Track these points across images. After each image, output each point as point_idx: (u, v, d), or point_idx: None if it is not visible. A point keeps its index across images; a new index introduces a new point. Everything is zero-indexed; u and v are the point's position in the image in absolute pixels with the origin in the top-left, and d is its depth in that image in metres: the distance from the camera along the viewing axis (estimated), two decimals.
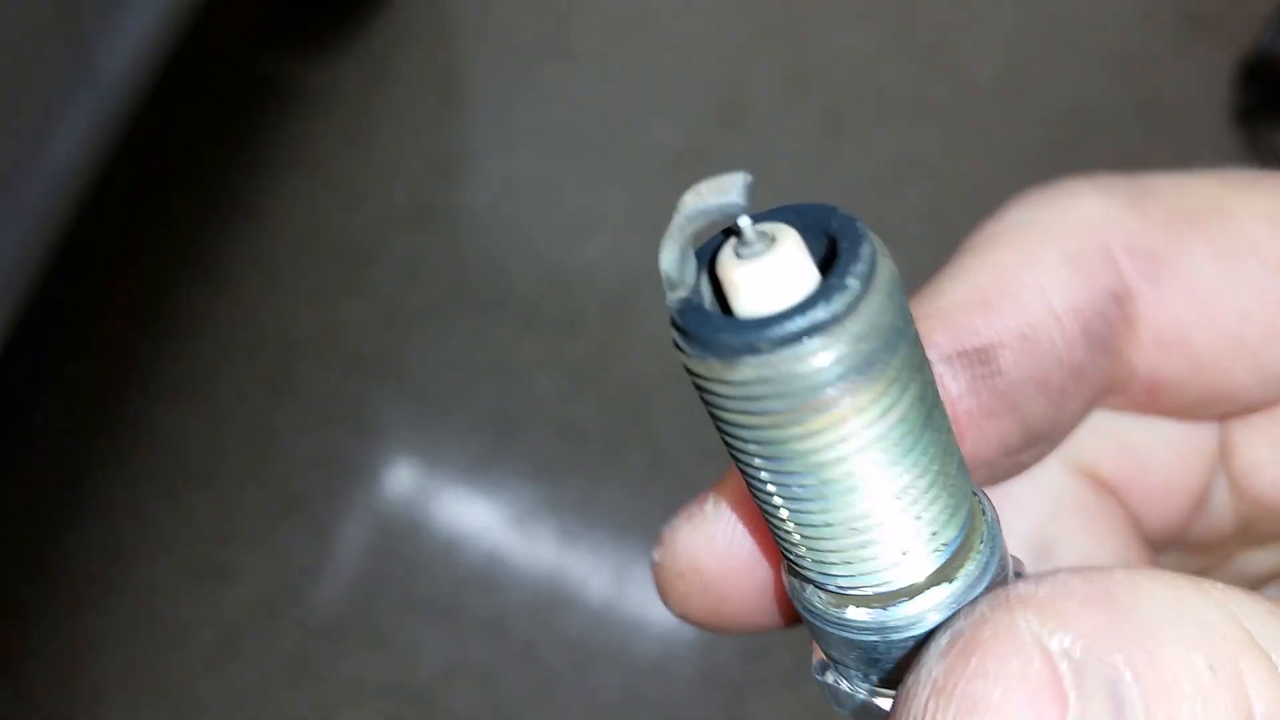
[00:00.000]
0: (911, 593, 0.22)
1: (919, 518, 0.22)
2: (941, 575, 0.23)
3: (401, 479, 1.61)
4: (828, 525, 0.22)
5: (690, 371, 0.21)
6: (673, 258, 0.21)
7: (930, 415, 0.21)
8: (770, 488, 0.21)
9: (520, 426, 1.62)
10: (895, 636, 0.23)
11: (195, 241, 1.78)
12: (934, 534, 0.22)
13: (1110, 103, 1.93)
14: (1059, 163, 1.88)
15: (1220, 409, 0.28)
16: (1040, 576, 0.21)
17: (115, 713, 1.47)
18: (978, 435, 0.25)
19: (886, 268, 0.20)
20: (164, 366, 1.68)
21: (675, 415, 1.62)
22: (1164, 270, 0.26)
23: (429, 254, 1.78)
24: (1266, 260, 0.26)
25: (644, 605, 1.52)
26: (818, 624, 0.23)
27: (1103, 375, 0.26)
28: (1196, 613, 0.20)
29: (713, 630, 0.28)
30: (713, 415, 0.21)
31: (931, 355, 0.24)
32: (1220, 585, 0.21)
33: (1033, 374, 0.25)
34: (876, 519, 0.21)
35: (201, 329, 1.71)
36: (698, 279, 0.21)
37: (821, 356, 0.20)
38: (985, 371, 0.25)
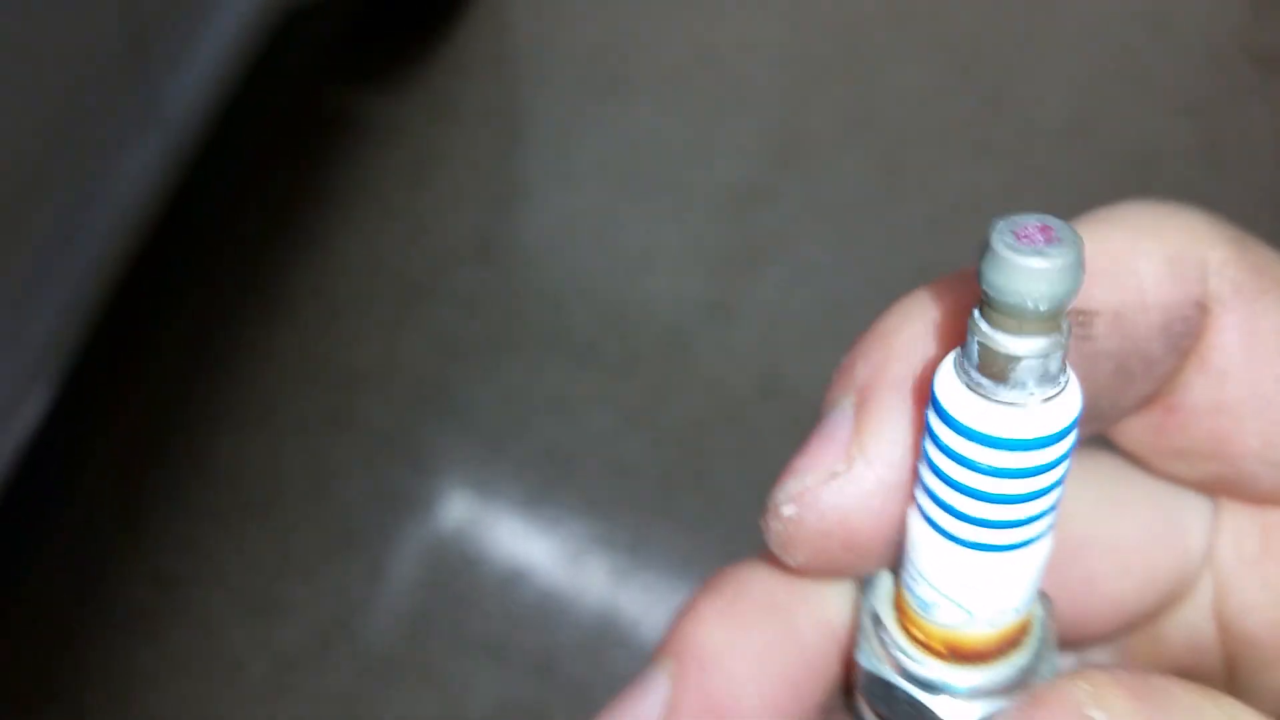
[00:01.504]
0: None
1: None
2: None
3: (455, 514, 1.61)
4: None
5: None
6: None
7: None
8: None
9: (575, 463, 1.62)
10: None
11: (257, 274, 1.80)
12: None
13: (1177, 146, 1.90)
14: None
15: (1211, 468, 0.27)
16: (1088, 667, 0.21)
17: None
18: None
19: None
20: (222, 398, 1.69)
21: (730, 456, 1.61)
22: (1238, 303, 0.26)
23: (487, 289, 1.78)
24: None
25: None
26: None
27: (1163, 377, 0.26)
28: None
29: (839, 577, 0.27)
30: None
31: None
32: (1238, 704, 0.21)
33: (1115, 350, 0.25)
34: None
35: (261, 361, 1.72)
36: None
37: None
38: (1081, 333, 0.25)
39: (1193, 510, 0.28)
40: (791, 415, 1.62)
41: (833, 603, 0.27)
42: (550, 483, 1.60)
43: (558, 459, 1.63)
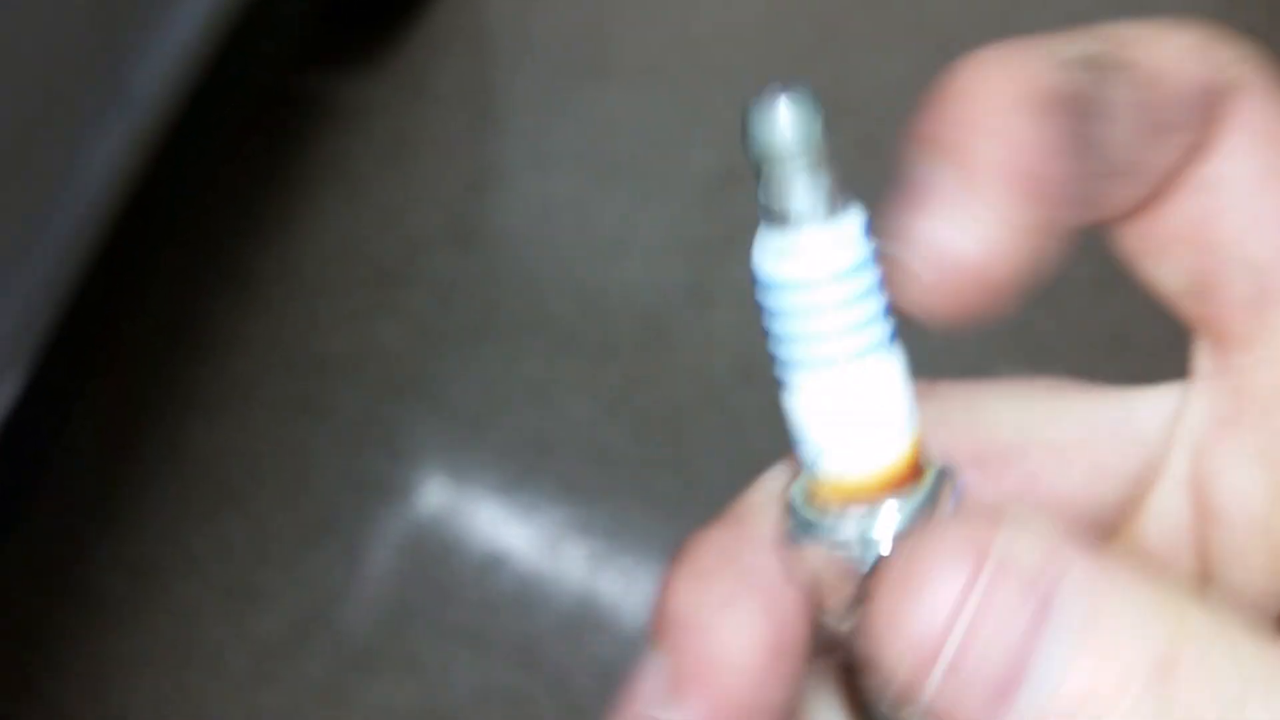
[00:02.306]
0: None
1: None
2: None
3: (433, 501, 1.60)
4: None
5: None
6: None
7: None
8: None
9: (553, 450, 1.61)
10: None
11: (229, 260, 1.78)
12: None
13: None
14: None
15: (1195, 279, 0.27)
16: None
17: None
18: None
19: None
20: (196, 385, 1.68)
21: (709, 441, 1.60)
22: (1255, 112, 0.25)
23: (463, 275, 1.77)
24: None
25: None
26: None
27: (1183, 151, 0.26)
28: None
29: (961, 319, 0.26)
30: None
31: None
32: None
33: (1136, 103, 0.25)
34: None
35: (234, 348, 1.71)
36: None
37: None
38: (1108, 79, 0.25)
39: (1151, 401, 0.28)
40: (770, 400, 1.61)
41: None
42: (528, 469, 1.60)
43: (536, 445, 1.62)
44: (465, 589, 1.52)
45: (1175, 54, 0.26)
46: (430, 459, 1.63)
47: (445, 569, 1.54)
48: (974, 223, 0.24)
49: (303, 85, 1.93)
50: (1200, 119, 0.25)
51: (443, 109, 1.95)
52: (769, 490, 0.27)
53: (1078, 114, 0.24)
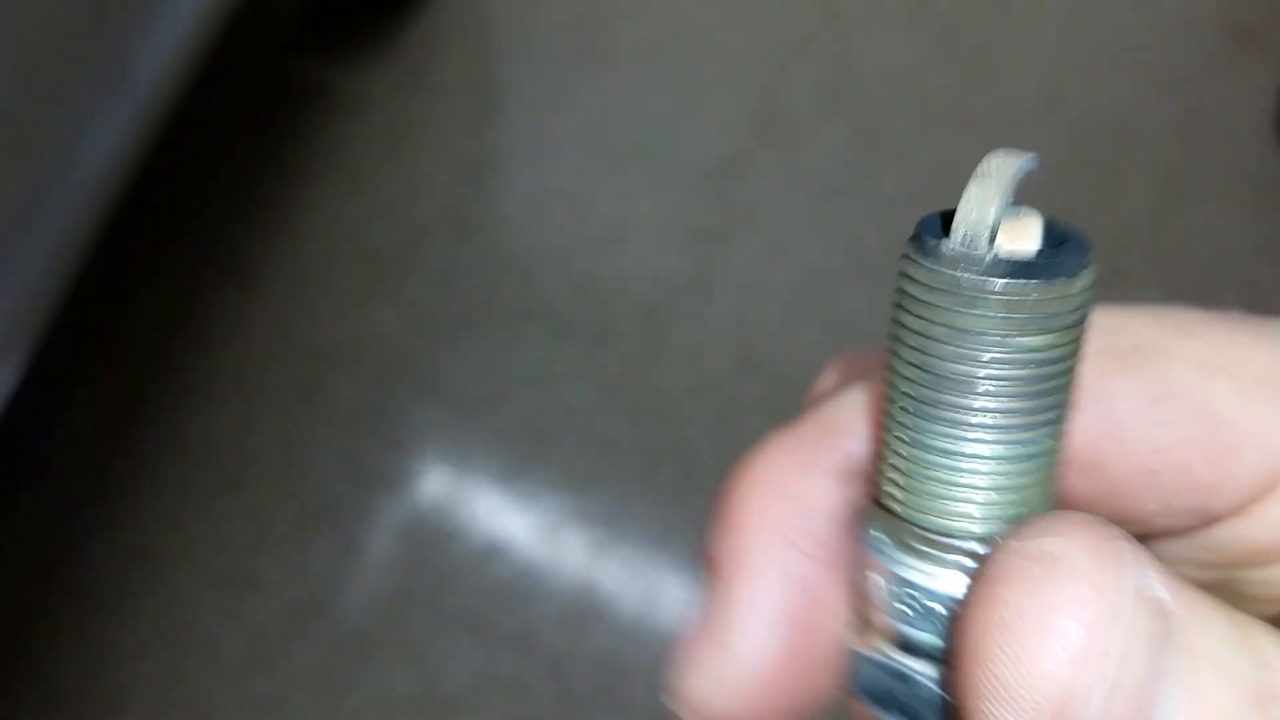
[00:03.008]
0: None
1: (1051, 480, 0.25)
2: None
3: (431, 489, 1.60)
4: (993, 457, 0.24)
5: (988, 299, 0.24)
6: (1001, 208, 0.25)
7: (1069, 402, 0.25)
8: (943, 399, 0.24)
9: (551, 437, 1.61)
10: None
11: (226, 248, 1.78)
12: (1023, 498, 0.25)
13: (1153, 117, 1.90)
14: (1101, 177, 1.85)
15: (1129, 530, 0.28)
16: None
17: None
18: None
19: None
20: (193, 373, 1.68)
21: (708, 427, 1.60)
22: (1085, 398, 0.27)
23: (461, 262, 1.77)
24: (1190, 402, 0.28)
25: (676, 622, 1.50)
26: (898, 569, 0.25)
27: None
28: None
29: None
30: (973, 347, 0.24)
31: None
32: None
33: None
34: (1045, 461, 0.25)
35: (231, 336, 1.70)
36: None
37: (1090, 287, 0.25)
38: None
39: None
40: (769, 388, 1.62)
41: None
42: (527, 457, 1.60)
43: (534, 433, 1.62)
44: (464, 577, 1.52)
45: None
46: (429, 447, 1.63)
47: (444, 557, 1.54)
48: (730, 677, 0.26)
49: (302, 74, 1.93)
50: None
51: (442, 98, 1.95)
52: (855, 402, 0.28)
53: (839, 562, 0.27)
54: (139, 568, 1.54)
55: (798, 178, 1.84)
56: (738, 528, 0.28)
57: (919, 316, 0.24)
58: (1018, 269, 0.24)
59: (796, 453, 0.28)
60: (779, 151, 1.87)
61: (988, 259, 0.24)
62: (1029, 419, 0.24)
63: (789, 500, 0.28)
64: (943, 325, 0.24)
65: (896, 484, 0.25)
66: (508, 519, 1.57)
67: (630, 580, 1.51)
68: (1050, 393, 0.24)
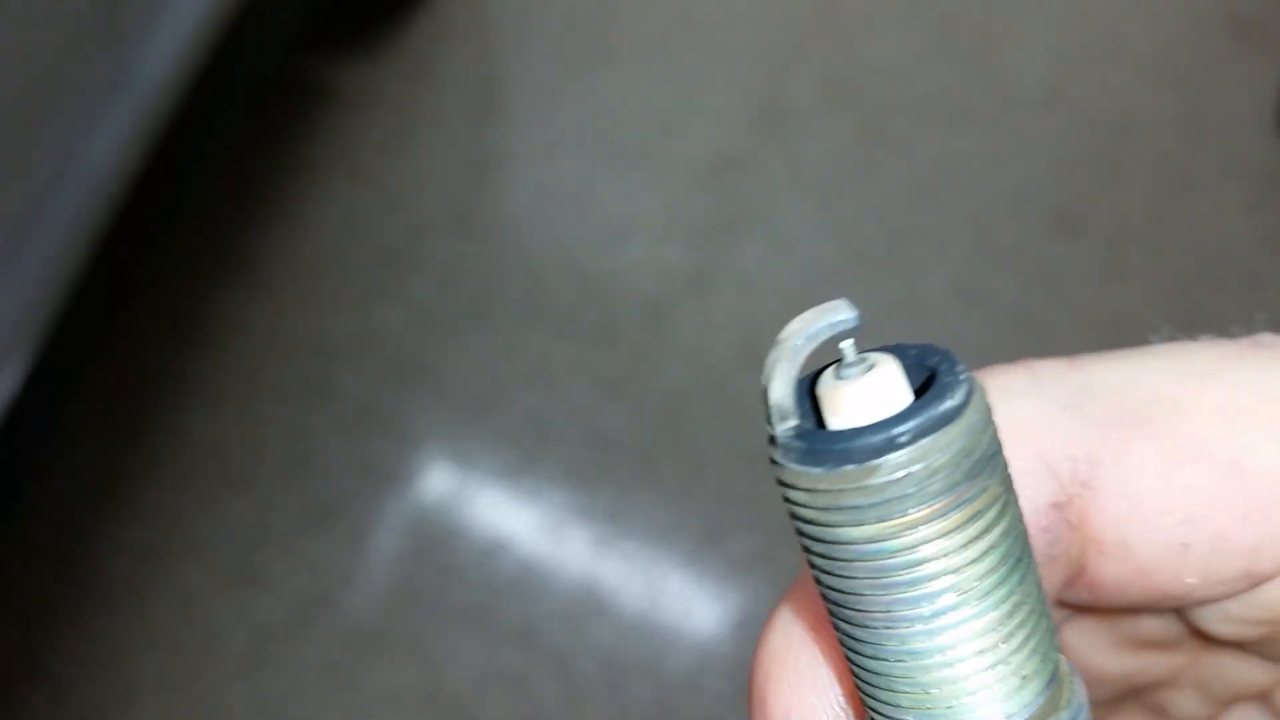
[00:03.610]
0: None
1: (996, 668, 0.22)
2: None
3: (436, 485, 1.60)
4: (901, 660, 0.22)
5: (791, 487, 0.22)
6: (786, 388, 0.22)
7: (1019, 559, 0.22)
8: (855, 616, 0.22)
9: (555, 434, 1.62)
10: None
11: (231, 245, 1.78)
12: (1009, 692, 0.22)
13: (1154, 112, 1.90)
14: (1102, 172, 1.86)
15: (1165, 605, 0.27)
16: None
17: (144, 716, 1.47)
18: None
19: (981, 400, 0.21)
20: (199, 370, 1.68)
21: (710, 424, 1.60)
22: (1102, 475, 0.25)
23: (465, 259, 1.77)
24: (1217, 461, 0.25)
25: (678, 617, 1.50)
26: None
27: (1058, 581, 0.26)
28: None
29: None
30: (803, 536, 0.22)
31: None
32: None
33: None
34: (954, 656, 0.22)
35: (236, 333, 1.71)
36: (803, 407, 0.22)
37: (912, 468, 0.21)
38: None
39: None
40: None
41: None
42: (530, 453, 1.60)
43: (537, 429, 1.62)
44: (467, 572, 1.53)
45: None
46: (432, 443, 1.64)
47: (448, 553, 1.55)
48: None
49: (306, 71, 1.93)
50: (1047, 558, 0.25)
51: (445, 94, 1.95)
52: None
53: None
54: (145, 564, 1.55)
55: (799, 174, 1.85)
56: None
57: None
58: (803, 452, 0.21)
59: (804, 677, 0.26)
60: (781, 148, 1.87)
61: (780, 442, 0.22)
62: (920, 611, 0.21)
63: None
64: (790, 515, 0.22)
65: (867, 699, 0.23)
66: (511, 515, 1.57)
67: (633, 576, 1.52)
68: (920, 582, 0.21)
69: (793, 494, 0.21)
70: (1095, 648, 0.31)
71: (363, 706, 1.46)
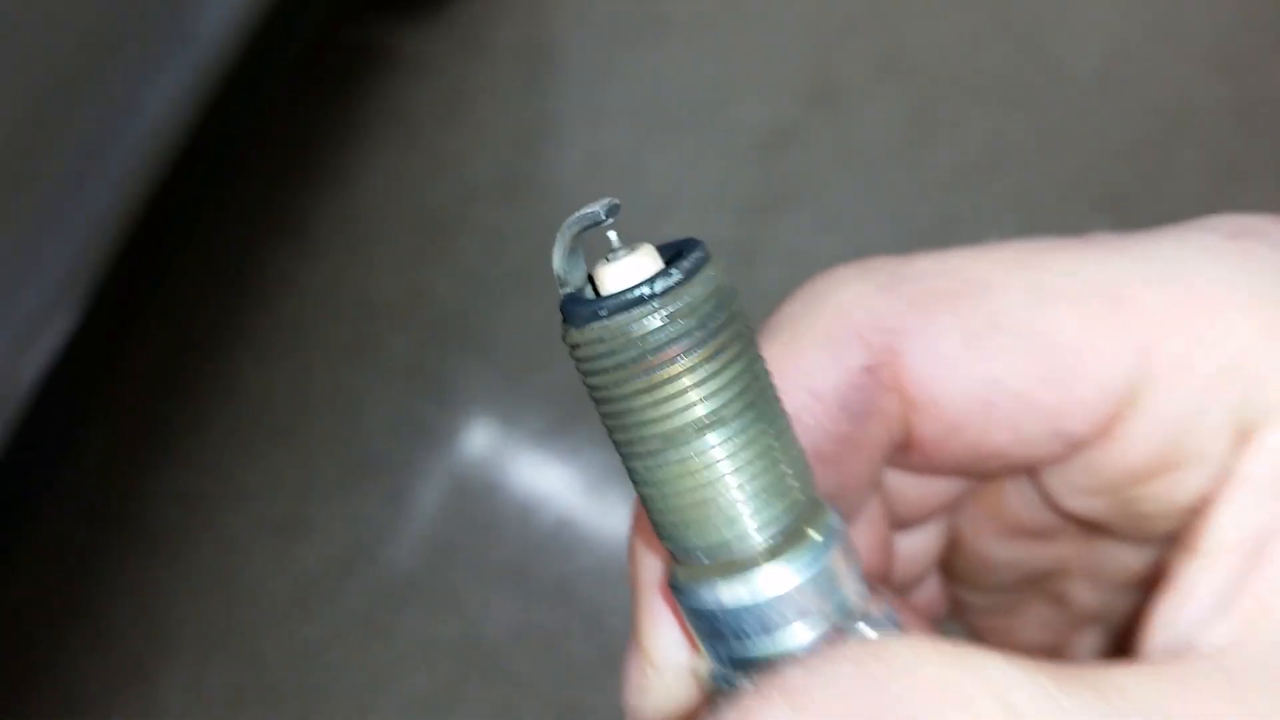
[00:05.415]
0: (743, 566, 0.26)
1: (742, 487, 0.26)
2: (772, 554, 0.26)
3: (476, 443, 1.62)
4: (670, 485, 0.26)
5: (566, 344, 0.27)
6: (560, 260, 0.27)
7: (755, 400, 0.26)
8: (629, 450, 0.27)
9: None
10: (732, 613, 0.26)
11: (284, 205, 1.81)
12: (758, 508, 0.26)
13: (1209, 100, 1.89)
14: (1153, 158, 1.85)
15: (990, 465, 0.30)
16: (821, 657, 0.23)
17: (185, 662, 1.50)
18: None
19: (711, 271, 0.26)
20: (249, 326, 1.71)
21: None
22: (910, 343, 0.28)
23: (513, 225, 1.79)
24: (1019, 331, 0.28)
25: None
26: (677, 598, 0.27)
27: (881, 437, 0.30)
28: (962, 698, 0.22)
29: None
30: (587, 387, 0.27)
31: None
32: (1002, 661, 0.22)
33: (807, 447, 0.28)
34: (706, 479, 0.26)
35: (288, 291, 1.74)
36: (584, 279, 0.28)
37: (646, 320, 0.26)
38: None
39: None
40: None
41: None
42: (570, 414, 1.62)
43: (579, 392, 1.63)
44: (506, 528, 1.55)
45: (809, 386, 0.29)
46: (476, 402, 1.66)
47: (487, 508, 1.57)
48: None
49: (362, 34, 1.95)
50: (864, 416, 0.29)
51: (499, 62, 1.97)
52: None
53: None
54: (191, 512, 1.58)
55: (849, 150, 1.85)
56: (635, 577, 0.30)
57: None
58: (573, 312, 0.26)
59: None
60: (830, 123, 1.88)
61: (561, 306, 0.27)
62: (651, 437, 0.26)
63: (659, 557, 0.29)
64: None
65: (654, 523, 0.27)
66: (550, 473, 1.59)
67: None
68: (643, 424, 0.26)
69: (573, 351, 0.26)
70: (983, 538, 0.35)
71: (400, 656, 1.48)
